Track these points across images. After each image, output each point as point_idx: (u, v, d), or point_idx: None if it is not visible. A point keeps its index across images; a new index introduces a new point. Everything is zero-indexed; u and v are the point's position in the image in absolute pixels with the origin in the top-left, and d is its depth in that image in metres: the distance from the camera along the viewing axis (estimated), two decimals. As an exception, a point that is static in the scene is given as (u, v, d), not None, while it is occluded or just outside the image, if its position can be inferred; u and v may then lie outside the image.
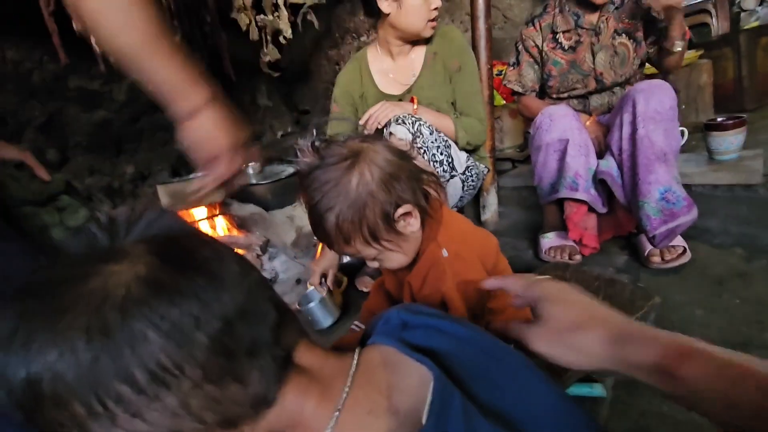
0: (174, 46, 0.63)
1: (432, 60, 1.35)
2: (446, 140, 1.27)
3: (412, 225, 0.68)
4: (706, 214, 1.34)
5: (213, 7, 1.62)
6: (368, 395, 0.38)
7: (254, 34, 1.74)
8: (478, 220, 1.76)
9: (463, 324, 0.47)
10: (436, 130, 1.23)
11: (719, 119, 1.41)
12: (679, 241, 1.20)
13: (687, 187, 1.35)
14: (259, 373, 0.34)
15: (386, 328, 0.47)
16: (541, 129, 1.25)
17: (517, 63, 1.51)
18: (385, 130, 1.21)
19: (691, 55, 2.09)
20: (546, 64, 1.44)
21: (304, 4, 1.90)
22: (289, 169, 2.13)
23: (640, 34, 1.31)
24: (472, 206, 1.75)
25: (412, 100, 1.31)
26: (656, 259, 1.18)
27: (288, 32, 1.81)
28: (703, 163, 1.39)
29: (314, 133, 0.90)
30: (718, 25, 2.50)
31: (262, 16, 1.74)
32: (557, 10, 1.41)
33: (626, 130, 1.14)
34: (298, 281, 1.61)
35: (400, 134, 1.17)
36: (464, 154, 1.37)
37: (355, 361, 0.41)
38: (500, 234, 1.66)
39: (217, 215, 1.78)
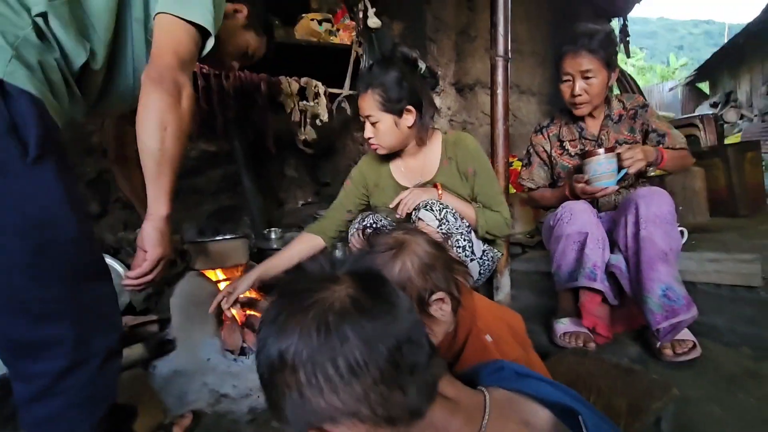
0: (176, 167, 0.83)
1: (448, 163, 1.41)
2: (468, 226, 1.36)
3: (444, 310, 0.75)
4: (712, 312, 1.40)
5: (265, 92, 1.85)
6: (505, 425, 0.47)
7: (296, 117, 1.96)
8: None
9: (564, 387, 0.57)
10: (460, 217, 1.34)
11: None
12: (688, 335, 1.25)
13: (691, 284, 1.44)
14: (416, 388, 0.44)
15: (501, 375, 0.57)
16: (562, 221, 1.36)
17: (529, 164, 1.68)
18: (413, 214, 1.32)
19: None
20: (555, 166, 1.60)
21: (341, 93, 2.15)
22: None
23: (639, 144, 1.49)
24: (486, 287, 1.82)
25: (435, 186, 1.38)
26: (669, 352, 1.22)
27: (325, 117, 2.04)
28: (706, 262, 1.49)
29: (367, 222, 1.00)
30: (706, 138, 2.79)
31: (304, 102, 1.98)
32: (563, 122, 1.60)
33: (630, 230, 1.25)
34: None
35: (428, 220, 1.27)
36: (481, 240, 1.47)
37: (488, 396, 0.50)
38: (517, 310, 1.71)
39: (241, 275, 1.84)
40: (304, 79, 1.99)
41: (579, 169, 1.44)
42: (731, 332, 1.35)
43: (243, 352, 1.57)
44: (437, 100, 2.22)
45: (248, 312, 1.73)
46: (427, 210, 1.31)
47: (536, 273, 1.78)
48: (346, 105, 2.20)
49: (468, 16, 2.36)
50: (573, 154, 1.56)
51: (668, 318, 1.17)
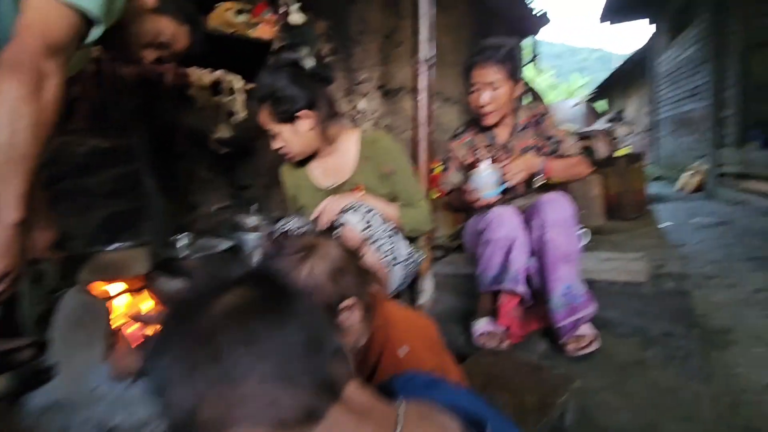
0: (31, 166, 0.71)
1: (366, 163, 1.39)
2: (392, 229, 1.34)
3: (352, 318, 0.72)
4: (608, 306, 1.55)
5: (170, 83, 1.68)
6: None
7: (207, 113, 1.80)
8: (413, 305, 1.82)
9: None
10: (385, 220, 1.32)
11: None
12: (589, 329, 1.35)
13: (590, 282, 1.57)
14: (311, 387, 0.42)
15: (413, 385, 0.56)
16: (491, 226, 1.39)
17: (447, 168, 1.73)
18: (338, 219, 1.27)
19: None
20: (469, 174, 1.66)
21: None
22: (223, 244, 2.07)
23: (546, 150, 1.59)
24: (408, 291, 1.82)
25: (357, 189, 1.37)
26: (571, 347, 1.31)
27: (241, 113, 1.90)
28: (602, 261, 1.64)
29: (276, 226, 0.94)
30: (601, 150, 3.13)
31: (218, 97, 1.83)
32: (476, 130, 1.65)
33: (536, 233, 1.33)
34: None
35: (353, 222, 1.23)
36: (405, 241, 1.46)
37: (401, 407, 0.47)
38: (435, 319, 1.73)
39: (140, 289, 1.63)
40: (218, 73, 1.84)
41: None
42: (623, 324, 1.50)
43: (137, 376, 1.39)
44: (362, 103, 2.20)
45: (147, 331, 1.54)
46: (351, 212, 1.26)
47: (458, 276, 1.83)
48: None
49: (395, 21, 2.38)
50: (487, 156, 1.63)
51: (569, 315, 1.26)
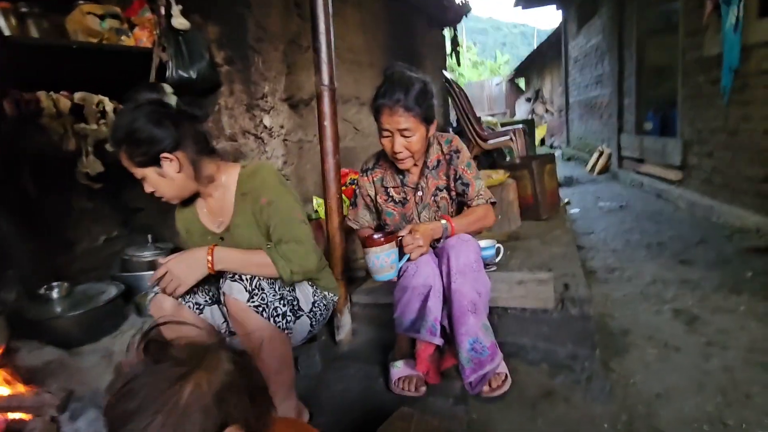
0: None
1: (242, 201, 1.27)
2: (283, 286, 1.22)
3: None
4: (519, 332, 1.58)
5: (10, 113, 1.33)
6: None
7: (71, 145, 1.50)
8: (332, 340, 1.74)
9: None
10: (275, 281, 1.19)
11: (375, 235, 1.33)
12: (502, 368, 1.36)
13: (503, 309, 1.59)
14: None
15: None
16: (408, 273, 1.31)
17: (355, 204, 1.61)
18: (222, 287, 1.13)
19: (501, 176, 2.58)
20: (381, 213, 1.56)
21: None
22: (110, 290, 1.79)
23: (454, 192, 1.52)
24: (326, 327, 1.73)
25: (211, 252, 1.16)
26: (485, 388, 1.31)
27: (117, 141, 1.61)
28: (514, 286, 1.66)
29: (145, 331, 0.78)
30: (518, 148, 3.22)
31: (82, 125, 1.52)
32: (387, 164, 1.54)
33: (445, 280, 1.29)
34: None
35: (236, 292, 1.09)
36: (310, 289, 1.35)
37: None
38: (354, 356, 1.66)
39: (-5, 370, 1.35)
40: (79, 95, 1.52)
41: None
42: (534, 350, 1.54)
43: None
44: (267, 119, 1.99)
45: (9, 418, 1.28)
46: (234, 281, 1.12)
47: (376, 306, 1.76)
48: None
49: (298, 24, 2.16)
50: (397, 201, 1.54)
51: (476, 371, 1.25)
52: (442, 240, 1.37)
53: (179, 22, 1.80)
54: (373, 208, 1.59)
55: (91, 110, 1.56)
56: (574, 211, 4.21)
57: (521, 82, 15.26)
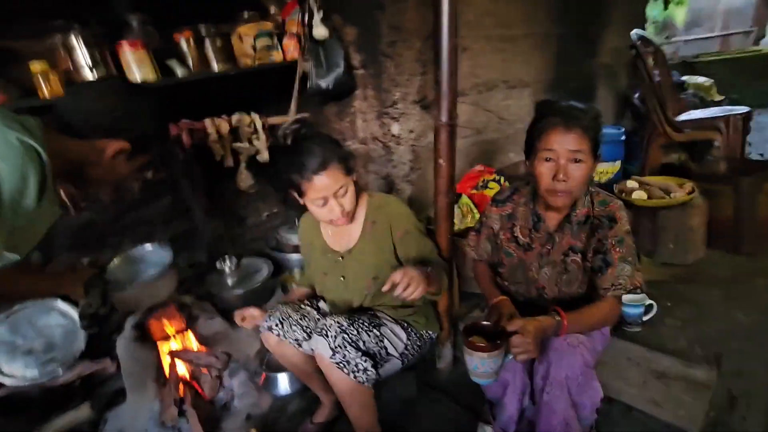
0: None
1: (371, 228, 1.37)
2: (380, 329, 1.31)
3: None
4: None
5: (188, 144, 1.63)
6: None
7: (229, 162, 1.77)
8: (434, 365, 1.76)
9: None
10: (365, 327, 1.28)
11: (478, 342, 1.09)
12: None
13: (626, 408, 1.30)
14: None
15: None
16: None
17: (479, 232, 1.48)
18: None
19: (682, 195, 1.98)
20: (500, 250, 1.40)
21: (284, 122, 1.90)
22: (264, 269, 2.18)
23: (589, 264, 1.22)
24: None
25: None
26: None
27: (265, 155, 1.83)
28: (650, 375, 1.34)
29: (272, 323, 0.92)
30: (727, 145, 2.35)
31: (238, 144, 1.76)
32: (523, 201, 1.34)
33: (538, 384, 1.12)
34: (248, 417, 1.68)
35: (321, 348, 1.20)
36: (403, 334, 1.38)
37: None
38: (451, 390, 1.66)
39: (185, 330, 1.85)
40: (235, 117, 1.75)
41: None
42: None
43: (181, 415, 1.65)
44: (395, 127, 1.95)
45: (192, 368, 1.77)
46: (320, 335, 1.23)
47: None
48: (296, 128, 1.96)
49: (434, 18, 1.93)
50: (521, 243, 1.34)
51: None
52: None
53: (319, 32, 1.81)
54: (495, 240, 1.45)
55: (244, 130, 1.78)
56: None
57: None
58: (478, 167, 2.27)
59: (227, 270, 2.12)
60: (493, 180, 2.22)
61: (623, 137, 2.50)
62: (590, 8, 2.83)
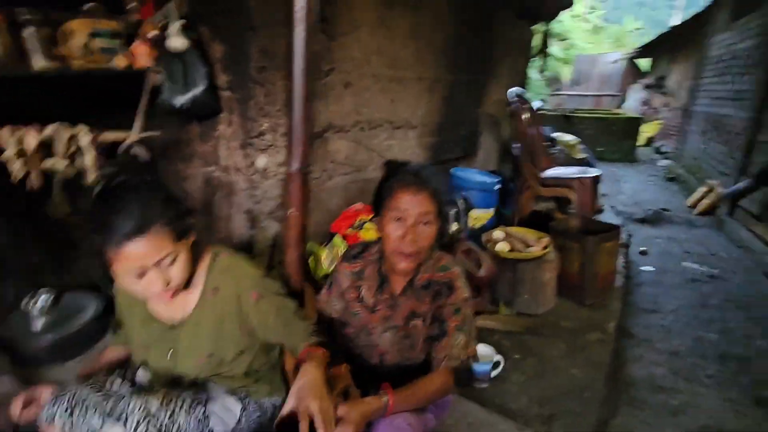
0: None
1: (213, 296, 1.12)
2: (206, 406, 1.10)
3: None
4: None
5: None
6: None
7: (35, 183, 1.41)
8: None
9: None
10: (185, 407, 1.06)
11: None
12: None
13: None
14: None
15: None
16: None
17: (330, 288, 1.37)
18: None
19: (538, 249, 2.12)
20: (347, 309, 1.30)
21: (127, 139, 1.61)
22: (91, 306, 1.81)
23: (430, 332, 1.19)
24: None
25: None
26: None
27: (92, 175, 1.51)
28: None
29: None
30: (579, 202, 2.61)
31: (51, 161, 1.42)
32: (372, 259, 1.27)
33: None
34: None
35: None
36: (238, 406, 1.18)
37: None
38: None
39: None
40: (50, 129, 1.41)
41: None
42: None
43: None
44: (261, 160, 1.77)
45: None
46: (118, 422, 0.99)
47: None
48: (140, 151, 1.67)
49: (322, 43, 1.82)
50: (366, 304, 1.26)
51: None
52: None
53: (175, 43, 1.58)
54: (344, 301, 1.34)
55: (62, 146, 1.45)
56: (646, 269, 3.50)
57: (644, 63, 12.88)
58: (357, 206, 2.19)
59: (36, 310, 1.71)
60: (370, 221, 2.15)
61: (497, 186, 2.65)
62: (479, 60, 3.00)
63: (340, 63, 1.93)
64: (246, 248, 1.77)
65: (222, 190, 1.81)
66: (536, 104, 5.89)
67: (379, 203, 1.16)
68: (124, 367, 1.25)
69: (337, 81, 1.95)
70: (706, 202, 4.65)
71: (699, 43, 6.85)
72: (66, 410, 1.06)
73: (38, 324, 1.69)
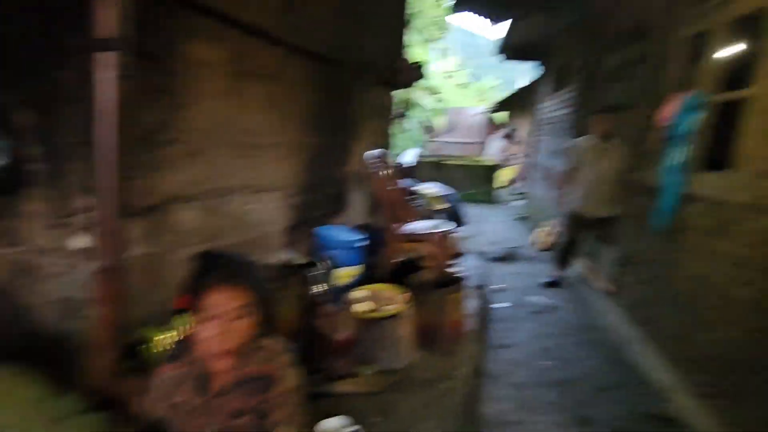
0: None
1: None
2: None
3: None
4: None
5: None
6: None
7: None
8: None
9: None
10: None
11: None
12: None
13: None
14: None
15: None
16: None
17: (154, 391, 1.24)
18: None
19: (397, 306, 2.24)
20: (172, 412, 1.19)
21: None
22: None
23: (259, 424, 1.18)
24: None
25: None
26: None
27: None
28: None
29: None
30: (432, 257, 2.86)
31: None
32: (195, 356, 1.18)
33: None
34: None
35: None
36: None
37: None
38: None
39: None
40: None
41: None
42: None
43: None
44: (76, 241, 1.57)
45: None
46: None
47: None
48: None
49: (162, 111, 1.75)
50: (189, 406, 1.17)
51: None
52: None
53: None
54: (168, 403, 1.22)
55: None
56: (501, 306, 3.94)
57: (501, 116, 15.11)
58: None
59: None
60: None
61: (360, 244, 2.77)
62: (342, 124, 3.19)
63: (185, 133, 1.87)
64: (59, 343, 1.53)
65: (29, 274, 1.56)
66: (415, 151, 6.44)
67: (191, 299, 1.12)
68: None
69: (181, 151, 1.87)
70: (546, 240, 5.50)
71: (534, 106, 8.35)
72: None
73: None
